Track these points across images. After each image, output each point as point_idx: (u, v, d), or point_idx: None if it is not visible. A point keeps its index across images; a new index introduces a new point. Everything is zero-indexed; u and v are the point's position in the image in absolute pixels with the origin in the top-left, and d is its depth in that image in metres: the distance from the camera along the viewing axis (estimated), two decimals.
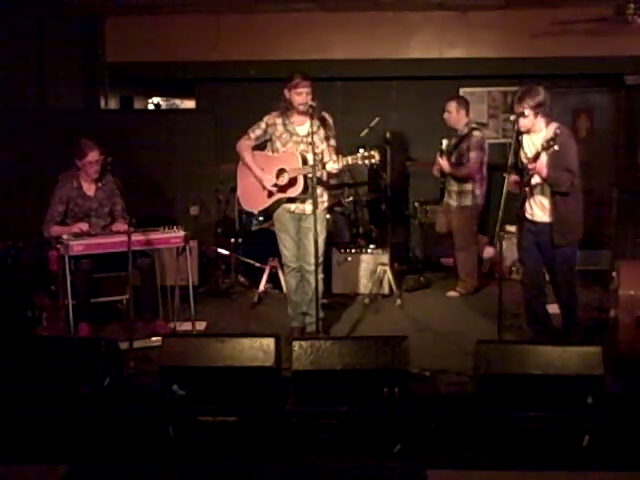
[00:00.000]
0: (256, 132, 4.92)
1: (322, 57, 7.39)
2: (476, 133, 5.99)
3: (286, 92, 4.79)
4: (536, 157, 4.27)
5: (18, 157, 6.02)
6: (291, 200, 4.86)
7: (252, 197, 5.00)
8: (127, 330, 4.65)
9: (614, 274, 4.44)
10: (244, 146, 4.94)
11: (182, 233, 5.01)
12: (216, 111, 7.72)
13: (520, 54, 7.37)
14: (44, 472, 3.30)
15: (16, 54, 6.08)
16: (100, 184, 5.19)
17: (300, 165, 4.74)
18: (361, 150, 4.70)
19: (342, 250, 6.31)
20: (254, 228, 6.56)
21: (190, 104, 9.59)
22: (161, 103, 10.91)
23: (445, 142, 6.09)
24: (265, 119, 4.91)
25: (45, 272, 5.20)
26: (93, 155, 5.02)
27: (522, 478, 3.28)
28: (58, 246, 4.79)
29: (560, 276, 4.61)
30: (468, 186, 6.03)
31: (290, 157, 4.79)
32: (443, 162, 5.97)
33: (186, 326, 5.14)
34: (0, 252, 4.98)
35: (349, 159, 4.68)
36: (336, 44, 7.46)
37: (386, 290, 6.14)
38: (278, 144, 4.86)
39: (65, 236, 4.79)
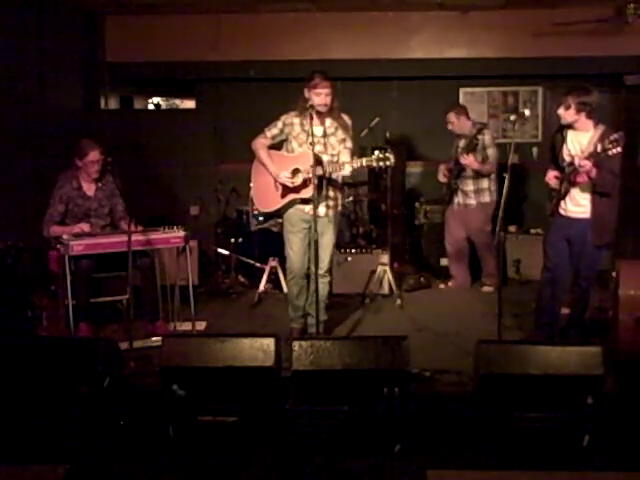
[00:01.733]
0: (272, 131, 4.84)
1: (322, 57, 7.39)
2: (486, 131, 6.14)
3: (305, 92, 4.69)
4: (590, 156, 4.27)
5: (18, 157, 6.01)
6: (305, 202, 4.74)
7: (265, 197, 4.91)
8: (127, 330, 4.65)
9: (614, 274, 4.44)
10: (259, 144, 4.87)
11: (182, 233, 5.00)
12: (216, 111, 7.73)
13: (520, 54, 7.38)
14: (44, 472, 3.30)
15: (16, 54, 6.07)
16: (100, 184, 5.19)
17: (319, 167, 4.60)
18: (376, 152, 4.58)
19: (342, 250, 6.31)
20: (254, 228, 6.57)
21: (190, 104, 9.60)
22: (161, 103, 10.92)
23: (463, 142, 6.16)
24: (282, 118, 4.82)
25: (45, 272, 5.20)
26: (94, 154, 5.02)
27: (522, 478, 3.28)
28: (58, 246, 4.79)
29: (583, 274, 4.62)
30: (485, 183, 6.16)
31: (305, 157, 4.63)
32: (469, 159, 6.03)
33: (186, 326, 5.14)
34: (0, 252, 4.97)
35: (363, 161, 4.58)
36: (336, 44, 7.47)
37: (386, 290, 6.15)
38: (294, 144, 4.77)
39: (65, 236, 4.78)
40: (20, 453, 3.45)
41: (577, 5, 7.02)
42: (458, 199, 6.30)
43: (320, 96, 4.62)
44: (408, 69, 7.52)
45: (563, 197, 4.57)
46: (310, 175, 4.53)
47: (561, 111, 4.51)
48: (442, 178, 6.33)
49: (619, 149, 4.14)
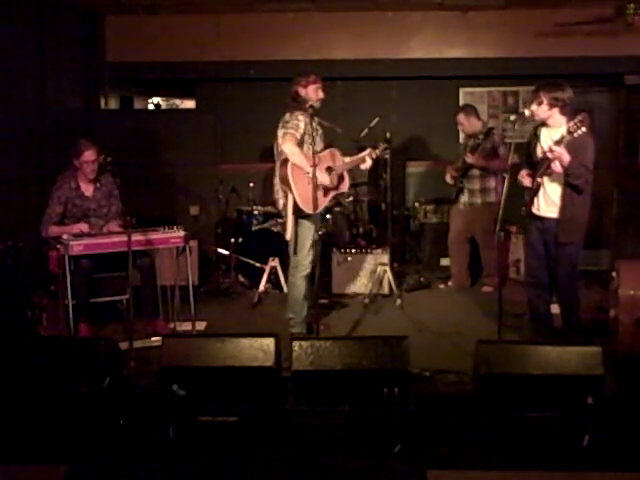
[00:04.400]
0: (299, 131, 4.75)
1: (322, 57, 7.39)
2: (495, 132, 6.18)
3: (301, 90, 4.79)
4: (559, 141, 4.24)
5: (18, 157, 6.01)
6: None
7: (313, 199, 4.74)
8: (127, 330, 4.65)
9: (614, 274, 4.44)
10: (297, 147, 4.72)
11: (182, 233, 5.00)
12: (216, 111, 7.73)
13: (520, 54, 7.38)
14: (44, 472, 3.30)
15: (16, 54, 6.08)
16: (98, 184, 5.18)
17: (346, 160, 4.97)
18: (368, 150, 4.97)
19: (342, 250, 6.31)
20: (254, 228, 6.57)
21: (190, 104, 9.60)
22: (161, 103, 10.92)
23: (471, 141, 6.20)
24: (300, 118, 4.75)
25: (45, 272, 5.20)
26: (89, 154, 5.00)
27: (522, 478, 3.28)
28: (58, 246, 4.78)
29: (562, 275, 4.60)
30: (492, 183, 6.19)
31: (333, 154, 4.92)
32: (474, 157, 6.08)
33: (186, 326, 5.14)
34: (0, 252, 4.97)
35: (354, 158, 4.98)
36: (336, 44, 7.47)
37: (386, 290, 6.14)
38: (308, 142, 4.76)
39: (65, 236, 4.78)
40: (20, 453, 3.45)
41: (577, 5, 7.02)
42: (464, 198, 6.31)
43: (319, 92, 4.79)
44: (408, 69, 7.52)
45: (536, 192, 4.51)
46: (342, 170, 4.97)
47: (534, 107, 4.45)
48: (449, 179, 6.34)
49: (584, 129, 4.11)
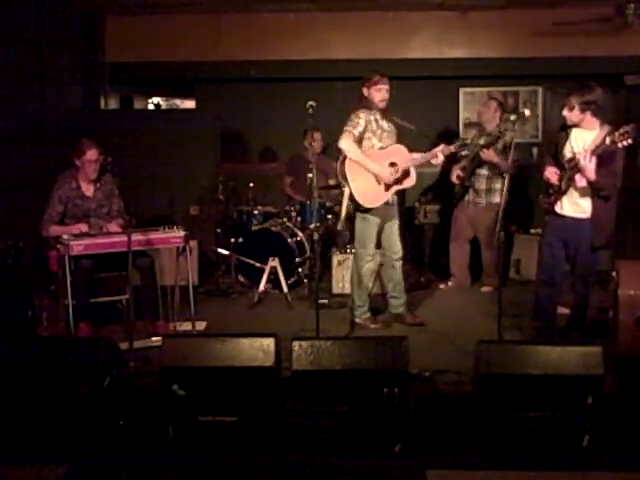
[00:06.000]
0: (358, 129, 4.97)
1: (322, 57, 7.40)
2: (508, 133, 6.14)
3: (365, 90, 5.05)
4: (597, 148, 4.22)
5: (18, 157, 6.01)
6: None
7: (372, 194, 5.04)
8: (127, 330, 4.65)
9: (614, 274, 4.44)
10: (354, 145, 4.95)
11: (182, 233, 5.00)
12: (216, 111, 7.73)
13: (520, 54, 7.38)
14: (44, 472, 3.30)
15: (16, 54, 6.08)
16: (99, 184, 5.18)
17: (415, 156, 5.07)
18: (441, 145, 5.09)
19: (342, 250, 6.31)
20: (254, 228, 6.57)
21: (190, 104, 9.59)
22: (161, 103, 10.92)
23: (483, 139, 6.20)
24: (362, 116, 4.98)
25: (45, 272, 5.19)
26: (91, 154, 5.00)
27: (522, 478, 3.28)
28: (58, 246, 4.78)
29: (579, 276, 4.61)
30: (498, 184, 6.16)
31: (398, 151, 5.06)
32: (490, 153, 6.06)
33: (186, 326, 5.14)
34: (0, 252, 4.97)
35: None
36: (336, 44, 7.47)
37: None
38: (374, 140, 5.03)
39: (65, 236, 4.78)
40: (20, 453, 3.45)
41: (577, 5, 7.02)
42: (469, 197, 6.32)
43: (380, 92, 5.03)
44: (408, 69, 7.51)
45: (562, 194, 4.52)
46: (408, 166, 5.02)
47: (566, 112, 4.46)
48: (455, 179, 6.34)
49: (630, 141, 4.05)
